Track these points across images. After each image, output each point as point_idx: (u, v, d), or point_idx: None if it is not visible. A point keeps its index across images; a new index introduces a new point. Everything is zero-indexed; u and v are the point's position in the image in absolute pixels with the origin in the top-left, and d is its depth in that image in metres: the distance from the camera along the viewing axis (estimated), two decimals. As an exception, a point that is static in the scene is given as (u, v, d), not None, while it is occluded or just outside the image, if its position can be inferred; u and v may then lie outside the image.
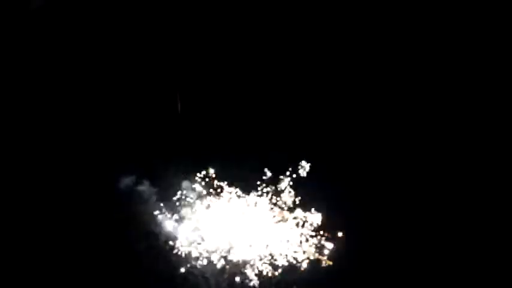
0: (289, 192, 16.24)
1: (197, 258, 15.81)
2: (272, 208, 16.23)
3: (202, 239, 15.98)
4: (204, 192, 16.33)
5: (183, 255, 15.84)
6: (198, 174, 16.36)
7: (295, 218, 16.11)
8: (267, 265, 15.76)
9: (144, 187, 16.26)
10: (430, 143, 16.92)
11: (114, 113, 17.09)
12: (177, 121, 17.14)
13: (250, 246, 15.85)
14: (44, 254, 15.78)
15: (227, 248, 15.88)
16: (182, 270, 15.72)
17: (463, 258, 15.87)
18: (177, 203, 16.26)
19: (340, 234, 15.90)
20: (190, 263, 15.80)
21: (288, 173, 16.27)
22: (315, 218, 16.02)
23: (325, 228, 16.01)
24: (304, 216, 16.09)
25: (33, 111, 17.10)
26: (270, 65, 17.48)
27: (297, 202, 16.19)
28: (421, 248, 15.93)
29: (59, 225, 15.97)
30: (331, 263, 15.78)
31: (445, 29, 17.62)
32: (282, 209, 16.11)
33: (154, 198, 16.25)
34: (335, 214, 16.09)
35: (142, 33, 17.66)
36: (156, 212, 16.12)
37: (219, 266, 15.72)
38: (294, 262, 15.82)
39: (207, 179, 16.36)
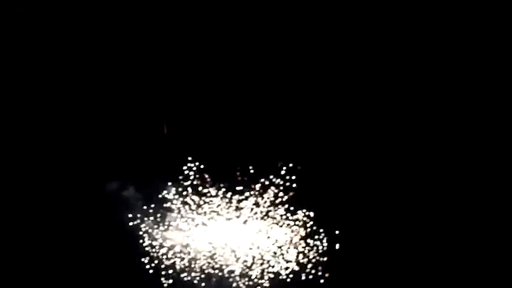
0: (279, 194, 15.99)
1: (184, 265, 15.62)
2: (261, 212, 15.94)
3: (189, 245, 15.72)
4: (191, 197, 16.02)
5: (170, 262, 15.63)
6: (183, 179, 16.01)
7: (285, 220, 15.88)
8: (255, 271, 15.57)
9: (129, 193, 15.95)
10: (424, 143, 16.67)
11: (96, 118, 16.71)
12: (162, 128, 16.74)
13: (239, 251, 15.66)
14: (24, 261, 15.59)
15: (215, 254, 15.66)
16: (168, 277, 15.54)
17: (459, 263, 15.72)
18: (163, 209, 15.95)
19: (331, 237, 15.70)
20: (176, 270, 15.63)
21: (277, 176, 16.00)
22: (305, 220, 15.80)
23: (316, 231, 15.81)
24: (293, 219, 15.87)
25: (14, 117, 16.77)
26: (254, 65, 17.13)
27: (287, 205, 15.93)
28: (416, 250, 15.81)
29: (40, 232, 15.73)
30: (321, 268, 15.62)
31: (445, 29, 17.57)
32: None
33: (139, 204, 15.95)
34: (326, 216, 15.86)
35: (125, 39, 17.24)
36: (142, 218, 15.83)
37: (206, 273, 15.54)
38: (284, 268, 15.64)
39: (193, 184, 16.02)
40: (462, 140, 16.60)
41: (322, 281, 15.65)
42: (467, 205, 16.11)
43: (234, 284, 15.62)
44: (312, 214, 15.90)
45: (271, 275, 15.65)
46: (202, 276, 15.65)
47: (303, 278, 15.71)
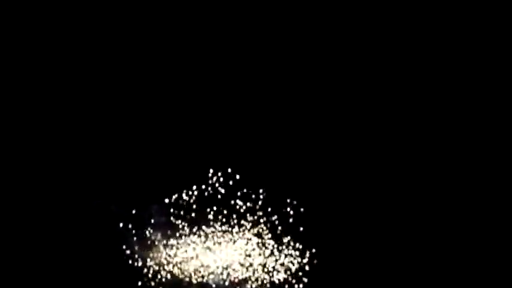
0: (266, 213, 15.62)
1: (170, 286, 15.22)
2: (248, 230, 15.57)
3: (175, 266, 15.36)
4: (176, 216, 15.59)
5: (155, 284, 15.25)
6: (169, 196, 15.57)
7: (274, 241, 15.56)
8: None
9: (112, 209, 15.50)
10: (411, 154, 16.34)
11: (79, 133, 16.19)
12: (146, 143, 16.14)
13: (225, 271, 15.37)
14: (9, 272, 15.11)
15: (201, 275, 15.34)
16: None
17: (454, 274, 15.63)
18: (148, 228, 15.53)
19: (326, 257, 15.45)
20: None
21: (265, 192, 15.69)
22: (299, 240, 15.48)
23: (308, 251, 15.53)
24: (283, 240, 15.56)
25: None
26: (243, 70, 16.67)
27: (276, 224, 15.59)
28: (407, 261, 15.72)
29: (22, 250, 15.27)
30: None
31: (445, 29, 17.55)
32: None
33: (122, 222, 15.48)
34: (319, 236, 15.55)
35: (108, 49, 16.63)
36: (125, 237, 15.40)
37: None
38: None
39: (179, 202, 15.60)
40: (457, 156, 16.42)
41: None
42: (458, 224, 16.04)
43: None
44: (306, 232, 15.67)
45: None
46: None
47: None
